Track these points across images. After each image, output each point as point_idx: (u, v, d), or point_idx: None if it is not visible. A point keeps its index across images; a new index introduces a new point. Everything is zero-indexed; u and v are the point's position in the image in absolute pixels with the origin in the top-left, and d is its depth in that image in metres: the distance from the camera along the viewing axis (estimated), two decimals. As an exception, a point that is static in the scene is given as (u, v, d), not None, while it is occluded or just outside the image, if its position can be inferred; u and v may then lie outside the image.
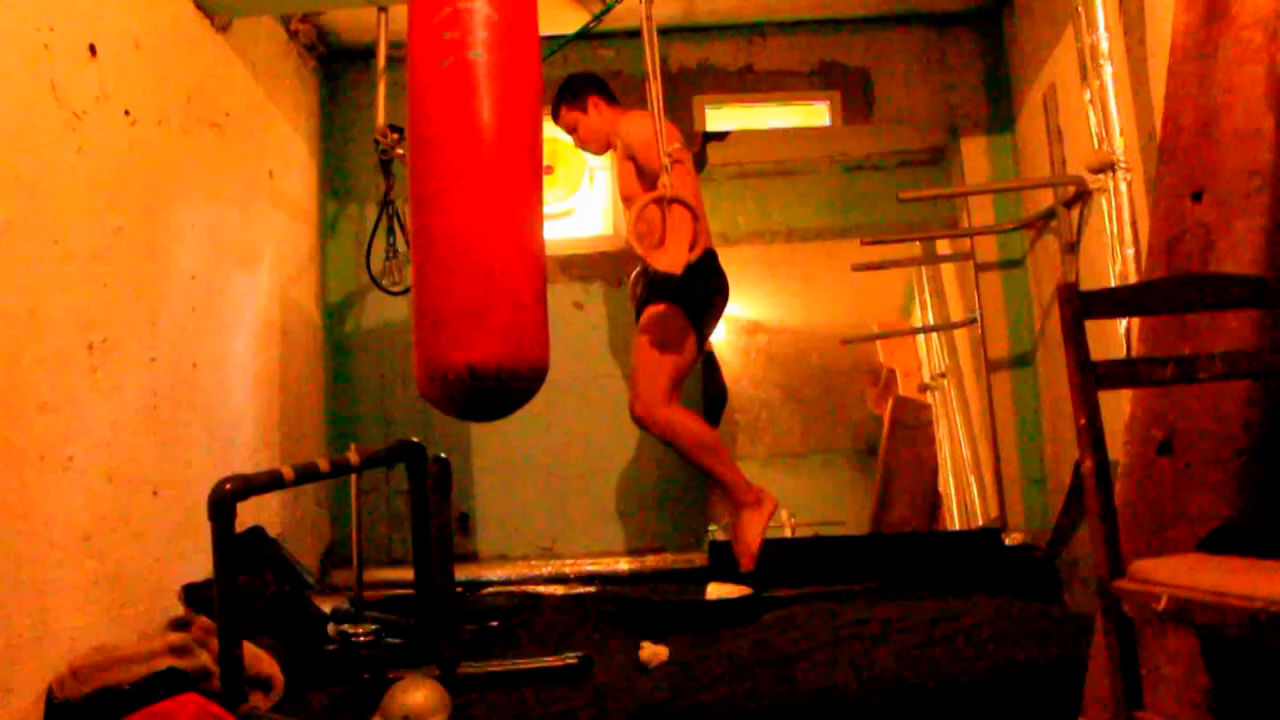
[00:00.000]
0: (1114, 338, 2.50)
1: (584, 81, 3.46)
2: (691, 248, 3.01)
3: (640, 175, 3.24)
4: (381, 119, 3.19)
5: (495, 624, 2.80)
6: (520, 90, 2.43)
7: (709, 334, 3.27)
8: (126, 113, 2.43)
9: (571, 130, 3.48)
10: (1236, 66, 1.86)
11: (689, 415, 3.15)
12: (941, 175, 3.88)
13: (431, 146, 2.39)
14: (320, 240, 3.87)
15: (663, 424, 3.08)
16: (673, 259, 2.98)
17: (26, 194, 2.03)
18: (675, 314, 3.11)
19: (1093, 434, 1.52)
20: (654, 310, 3.14)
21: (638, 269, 3.33)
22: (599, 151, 3.51)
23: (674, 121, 3.81)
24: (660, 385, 3.06)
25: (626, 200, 3.36)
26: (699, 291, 3.14)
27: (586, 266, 3.88)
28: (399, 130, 3.20)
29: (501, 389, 2.33)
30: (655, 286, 3.16)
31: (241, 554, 2.34)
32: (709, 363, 3.63)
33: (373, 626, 2.43)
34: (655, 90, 2.93)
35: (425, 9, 2.43)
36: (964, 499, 3.66)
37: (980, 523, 3.58)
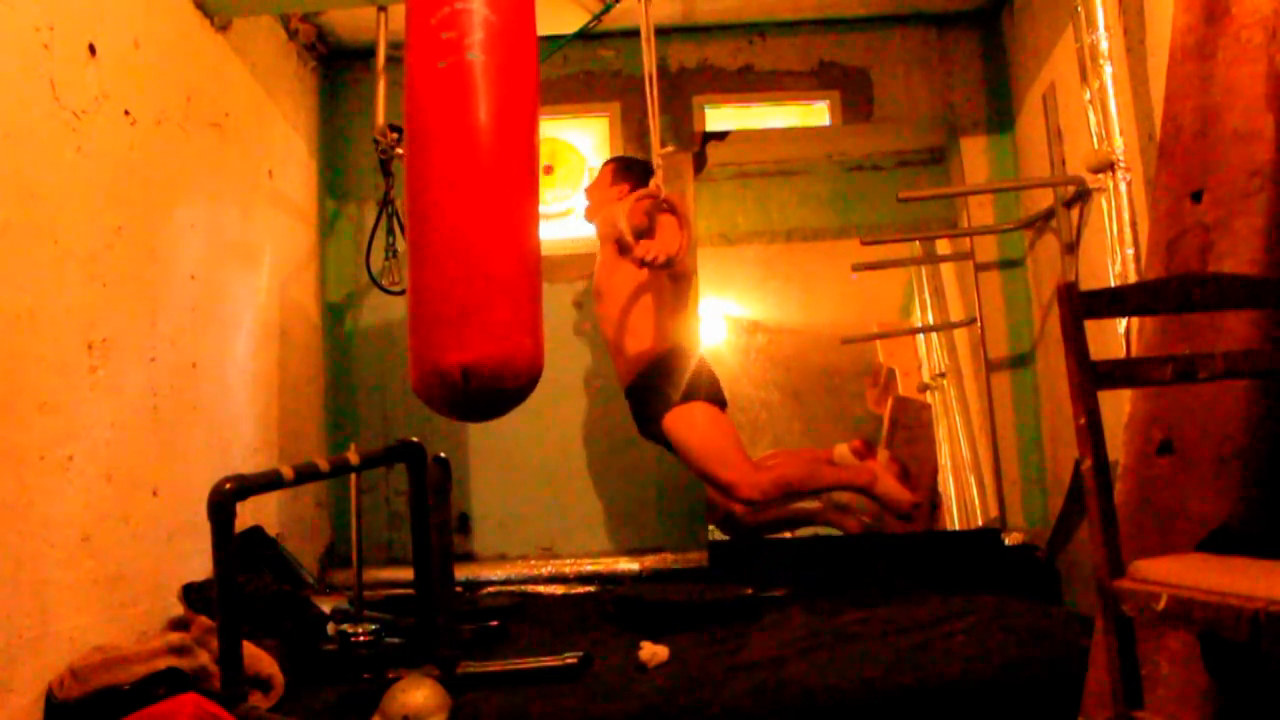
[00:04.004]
0: (1114, 338, 2.50)
1: (640, 171, 3.31)
2: (678, 252, 3.00)
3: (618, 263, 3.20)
4: (381, 119, 3.19)
5: (495, 624, 2.80)
6: (517, 91, 2.43)
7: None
8: (126, 113, 2.43)
9: (590, 188, 3.47)
10: (1236, 66, 1.86)
11: (779, 461, 3.11)
12: (941, 175, 3.88)
13: (428, 146, 2.38)
14: (320, 240, 3.87)
15: (772, 487, 3.04)
16: (661, 246, 2.98)
17: (26, 194, 2.03)
18: (694, 407, 3.07)
19: (1093, 434, 1.52)
20: (675, 418, 3.08)
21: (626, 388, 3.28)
22: (589, 217, 3.46)
23: (672, 130, 3.81)
24: (738, 462, 3.02)
25: (596, 294, 3.31)
26: (696, 380, 3.13)
27: (586, 266, 3.87)
28: (399, 130, 3.19)
29: (494, 390, 2.32)
30: (649, 395, 3.13)
31: (241, 554, 2.34)
32: None
33: (372, 626, 2.43)
34: (652, 94, 2.96)
35: (423, 9, 2.43)
36: (964, 499, 3.66)
37: (980, 523, 3.58)
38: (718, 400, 3.12)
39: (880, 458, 3.08)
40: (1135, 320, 2.35)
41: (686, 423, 3.07)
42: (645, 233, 3.10)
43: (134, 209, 2.45)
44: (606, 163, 3.52)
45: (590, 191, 3.47)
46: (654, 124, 2.97)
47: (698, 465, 3.07)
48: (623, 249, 3.12)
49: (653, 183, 3.01)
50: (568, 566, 3.63)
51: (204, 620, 2.25)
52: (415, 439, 2.45)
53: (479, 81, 2.37)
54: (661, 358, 3.15)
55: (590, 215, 3.46)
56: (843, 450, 3.09)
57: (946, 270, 3.85)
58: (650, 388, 3.15)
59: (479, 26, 2.38)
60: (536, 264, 2.45)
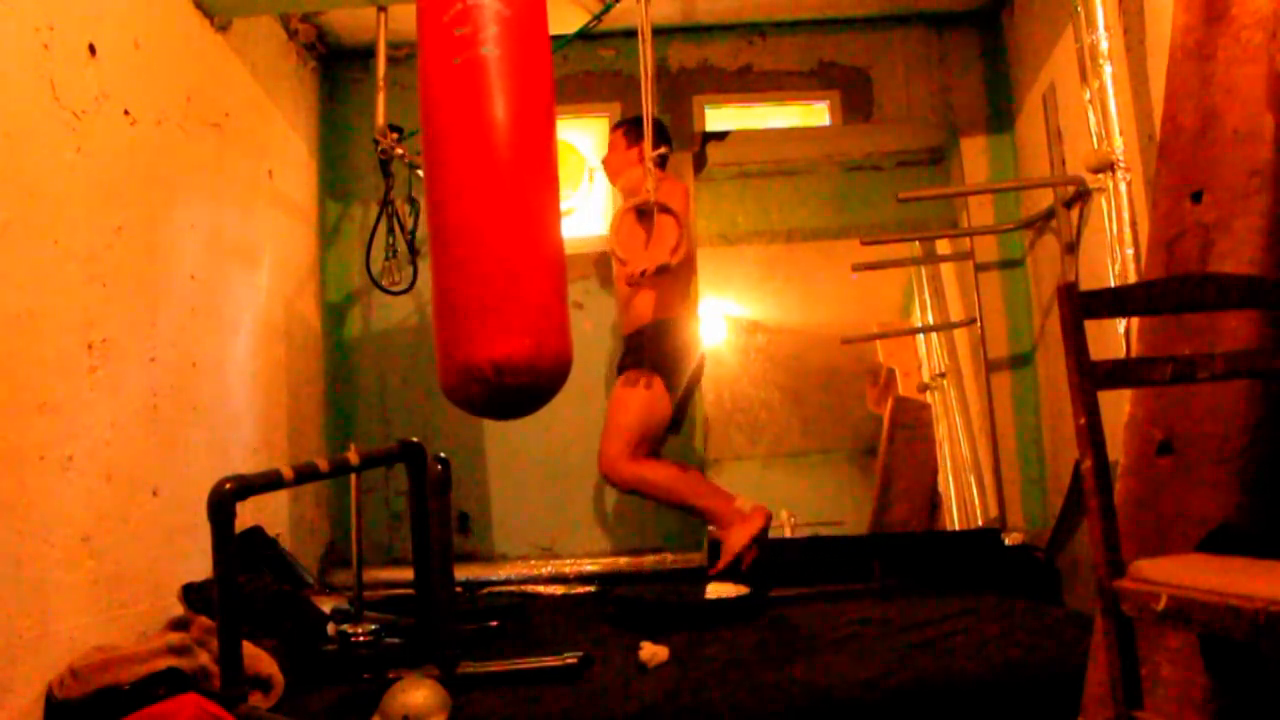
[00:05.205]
0: (1114, 338, 2.50)
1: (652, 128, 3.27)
2: (674, 253, 3.05)
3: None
4: (381, 119, 3.19)
5: (495, 624, 2.80)
6: (533, 85, 2.42)
7: (686, 396, 3.28)
8: (126, 113, 2.43)
9: (606, 158, 3.55)
10: (1236, 66, 1.86)
11: (656, 465, 3.17)
12: (941, 175, 3.88)
13: (447, 144, 2.38)
14: (320, 240, 3.87)
15: (629, 479, 3.13)
16: (650, 258, 3.05)
17: (26, 194, 2.03)
18: (642, 376, 3.17)
19: (1093, 434, 1.52)
20: (624, 379, 3.22)
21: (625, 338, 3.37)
22: (611, 181, 3.58)
23: (672, 130, 3.79)
24: (624, 442, 3.11)
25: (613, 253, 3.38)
26: (672, 356, 3.20)
27: (586, 266, 3.88)
28: (399, 130, 3.20)
29: (527, 385, 2.33)
30: (631, 353, 3.25)
31: (241, 554, 2.34)
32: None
33: (372, 626, 2.43)
34: (648, 91, 2.96)
35: (435, 5, 2.41)
36: (964, 499, 3.66)
37: (980, 523, 3.58)
38: (669, 382, 3.20)
39: (755, 522, 3.09)
40: (1135, 320, 2.35)
41: (626, 386, 3.20)
42: (643, 209, 3.15)
43: (134, 209, 2.45)
44: (615, 127, 3.56)
45: (608, 160, 3.53)
46: (648, 125, 2.98)
47: (606, 423, 3.21)
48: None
49: (644, 188, 3.04)
50: (568, 566, 3.63)
51: (204, 620, 2.25)
52: (415, 439, 2.45)
53: (495, 77, 2.36)
54: (655, 324, 3.24)
55: (613, 179, 3.55)
56: (743, 504, 3.13)
57: (946, 270, 3.85)
58: (637, 346, 3.26)
59: (492, 21, 2.37)
60: (561, 258, 2.46)
